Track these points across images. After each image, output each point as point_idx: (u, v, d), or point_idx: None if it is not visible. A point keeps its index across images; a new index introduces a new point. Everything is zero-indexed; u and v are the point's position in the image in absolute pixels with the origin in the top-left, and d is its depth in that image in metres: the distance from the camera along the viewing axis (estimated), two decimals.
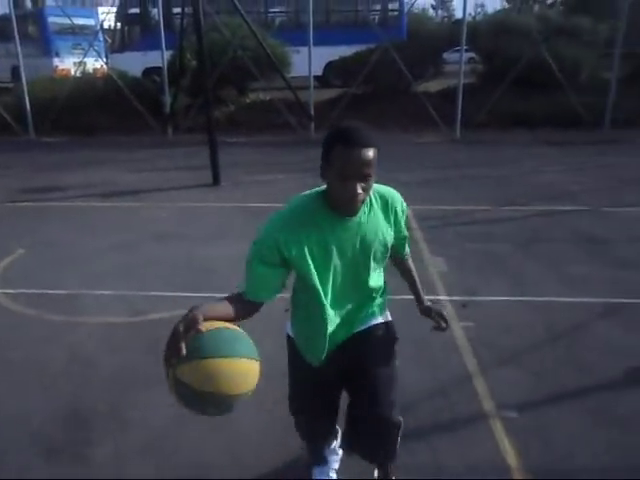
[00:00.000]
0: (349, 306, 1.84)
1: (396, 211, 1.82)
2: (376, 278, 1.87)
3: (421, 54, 12.27)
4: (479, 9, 37.78)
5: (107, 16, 15.50)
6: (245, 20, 9.66)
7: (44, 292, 4.24)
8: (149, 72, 13.64)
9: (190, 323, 1.43)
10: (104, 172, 8.45)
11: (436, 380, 3.00)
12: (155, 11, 13.00)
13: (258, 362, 1.51)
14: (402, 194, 1.89)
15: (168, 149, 10.48)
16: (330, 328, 1.81)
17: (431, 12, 35.71)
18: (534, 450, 2.48)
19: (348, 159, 1.54)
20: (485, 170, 8.22)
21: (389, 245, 1.82)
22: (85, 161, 9.37)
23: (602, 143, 10.11)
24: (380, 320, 1.96)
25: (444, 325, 1.99)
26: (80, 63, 12.93)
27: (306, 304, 1.83)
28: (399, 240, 1.92)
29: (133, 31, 16.39)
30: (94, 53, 12.82)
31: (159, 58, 11.29)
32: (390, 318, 2.01)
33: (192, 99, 11.32)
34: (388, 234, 1.80)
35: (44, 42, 16.49)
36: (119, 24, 16.12)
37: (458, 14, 37.74)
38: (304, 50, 11.00)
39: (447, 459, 2.44)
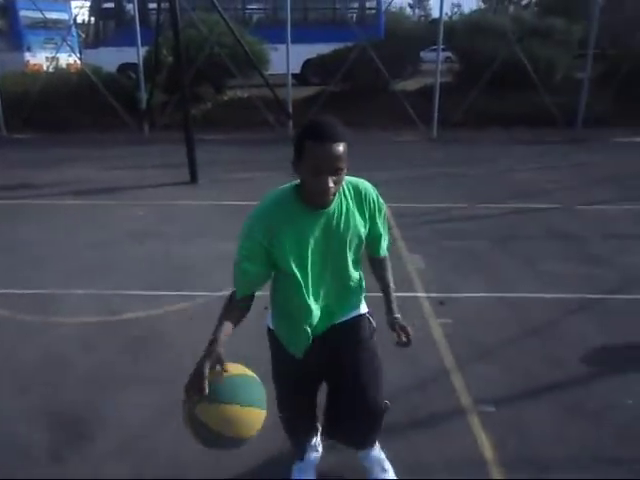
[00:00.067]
0: (328, 296, 1.88)
1: (372, 201, 1.84)
2: (353, 268, 1.90)
3: (399, 53, 12.33)
4: (456, 9, 38.20)
5: (81, 10, 15.23)
6: (222, 17, 9.59)
7: (17, 292, 4.16)
8: (124, 68, 13.42)
9: (214, 362, 1.57)
10: (79, 170, 8.29)
11: (414, 376, 3.03)
12: (130, 6, 12.80)
13: (265, 411, 1.68)
14: (380, 192, 1.91)
15: (144, 146, 10.34)
16: (311, 318, 1.85)
17: (408, 11, 35.94)
18: (510, 444, 2.52)
19: (319, 155, 1.58)
20: (462, 168, 8.31)
21: (363, 236, 1.85)
22: (59, 158, 9.18)
23: (575, 142, 10.32)
24: (360, 312, 2.02)
25: (405, 340, 1.96)
26: (53, 58, 12.67)
27: (286, 296, 1.87)
28: (374, 239, 1.93)
29: (108, 26, 16.13)
30: (67, 48, 12.55)
31: (134, 54, 11.11)
32: (367, 309, 2.06)
33: (169, 96, 11.19)
34: (362, 225, 1.83)
35: (15, 36, 16.08)
36: (93, 18, 15.84)
37: (435, 13, 38.13)
38: (282, 48, 10.97)
39: (426, 454, 2.46)
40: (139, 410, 2.76)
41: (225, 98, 12.70)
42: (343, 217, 1.77)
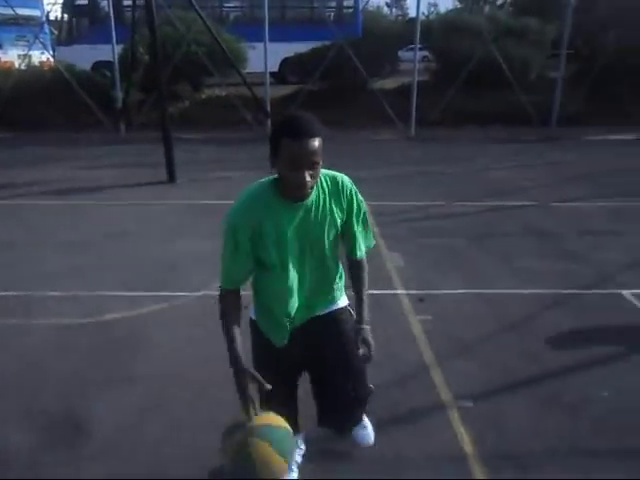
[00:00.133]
0: (309, 287, 1.92)
1: (348, 192, 1.89)
2: (332, 260, 1.95)
3: (377, 52, 12.38)
4: (432, 8, 38.38)
5: (53, 7, 14.98)
6: (199, 14, 9.51)
7: None
8: (99, 66, 13.22)
9: (249, 379, 1.75)
10: (54, 169, 8.15)
11: (395, 372, 3.05)
12: (105, 3, 12.60)
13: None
14: (359, 191, 1.95)
15: (121, 146, 10.21)
16: (289, 309, 1.90)
17: (385, 10, 36.02)
18: (489, 438, 2.56)
19: (295, 151, 1.62)
20: (439, 167, 8.39)
21: (339, 227, 1.90)
22: (33, 158, 9.01)
23: (549, 141, 10.50)
24: (340, 305, 2.07)
25: (367, 355, 1.97)
26: (25, 56, 12.41)
27: (266, 286, 1.92)
28: (350, 236, 1.96)
29: (81, 23, 15.86)
30: (39, 45, 12.32)
31: (109, 51, 10.94)
32: (347, 302, 2.11)
33: (145, 94, 11.04)
34: (339, 216, 1.88)
35: None
36: (66, 15, 15.56)
37: (412, 12, 38.34)
38: (259, 46, 10.91)
39: (406, 449, 2.49)
40: (120, 411, 2.73)
41: (203, 97, 12.61)
42: (320, 208, 1.83)
